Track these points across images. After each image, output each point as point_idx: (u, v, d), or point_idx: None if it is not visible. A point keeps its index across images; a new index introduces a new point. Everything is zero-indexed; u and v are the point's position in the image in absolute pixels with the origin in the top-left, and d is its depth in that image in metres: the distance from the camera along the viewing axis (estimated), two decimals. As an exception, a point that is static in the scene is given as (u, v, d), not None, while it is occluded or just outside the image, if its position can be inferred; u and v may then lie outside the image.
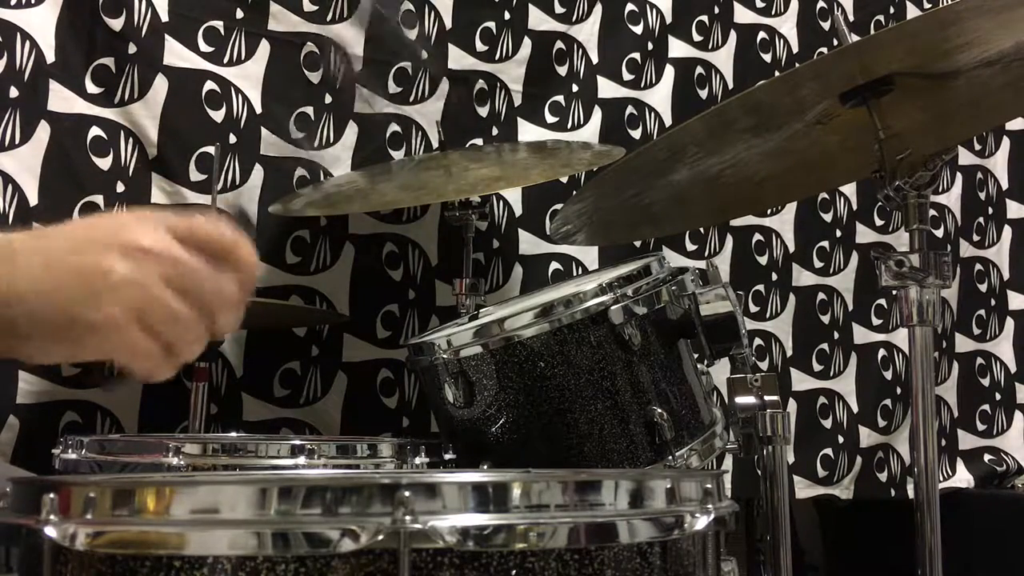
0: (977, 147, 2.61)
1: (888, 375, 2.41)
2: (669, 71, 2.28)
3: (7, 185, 1.71)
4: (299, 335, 1.94)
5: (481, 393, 1.30)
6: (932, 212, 2.14)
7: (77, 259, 0.76)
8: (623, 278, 1.31)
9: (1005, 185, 2.63)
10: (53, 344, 0.77)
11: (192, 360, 0.79)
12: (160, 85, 1.82)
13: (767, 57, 2.40)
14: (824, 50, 2.44)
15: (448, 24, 2.09)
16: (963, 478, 2.44)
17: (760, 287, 2.30)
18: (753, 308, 2.28)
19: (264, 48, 1.93)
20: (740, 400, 1.33)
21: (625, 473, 1.16)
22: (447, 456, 1.36)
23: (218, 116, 1.87)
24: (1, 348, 0.78)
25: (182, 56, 1.85)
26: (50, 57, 1.75)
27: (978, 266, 2.57)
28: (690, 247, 2.25)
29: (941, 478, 2.37)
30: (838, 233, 2.41)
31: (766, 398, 1.33)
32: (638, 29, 2.26)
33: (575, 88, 2.19)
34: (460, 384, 1.31)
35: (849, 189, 2.43)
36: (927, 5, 2.58)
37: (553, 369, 1.28)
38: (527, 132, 2.14)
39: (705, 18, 2.33)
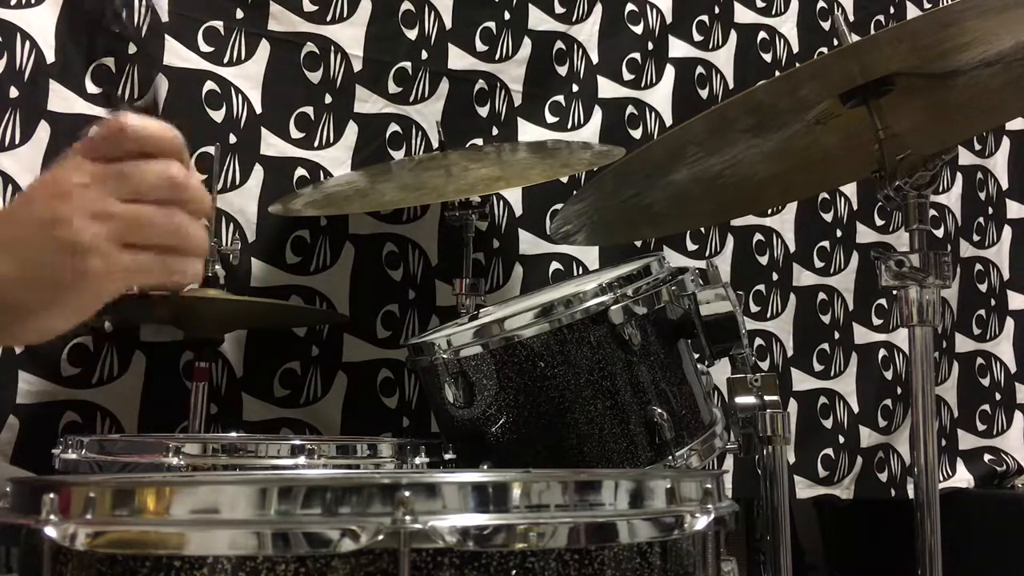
0: (977, 147, 2.61)
1: (888, 375, 2.41)
2: (669, 71, 2.28)
3: (7, 185, 1.71)
4: (299, 335, 1.94)
5: (481, 393, 1.30)
6: (932, 212, 2.14)
7: (33, 220, 0.77)
8: (623, 278, 1.31)
9: (1005, 185, 2.63)
10: (55, 306, 0.78)
11: (204, 257, 0.81)
12: (160, 85, 1.82)
13: (767, 57, 2.40)
14: (824, 50, 2.44)
15: (448, 24, 2.09)
16: (963, 478, 2.44)
17: (760, 287, 2.30)
18: (753, 308, 2.28)
19: (264, 48, 1.93)
20: (740, 400, 1.33)
21: (625, 473, 1.16)
22: (447, 456, 1.36)
23: (218, 116, 1.87)
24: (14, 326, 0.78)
25: (182, 56, 1.85)
26: (50, 57, 1.75)
27: (978, 266, 2.57)
28: (690, 247, 2.25)
29: (941, 478, 2.37)
30: (838, 233, 2.41)
31: (766, 398, 1.33)
32: (638, 29, 2.26)
33: (575, 88, 2.19)
34: (460, 384, 1.31)
35: (849, 189, 2.42)
36: (927, 5, 2.58)
37: (553, 369, 1.28)
38: (527, 132, 2.14)
39: (705, 18, 2.33)
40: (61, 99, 1.76)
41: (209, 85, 1.87)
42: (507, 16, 2.14)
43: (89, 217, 0.75)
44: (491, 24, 2.13)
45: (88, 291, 0.78)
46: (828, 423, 2.32)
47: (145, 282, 0.79)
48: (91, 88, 1.78)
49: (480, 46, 2.11)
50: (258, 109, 1.91)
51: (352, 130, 1.99)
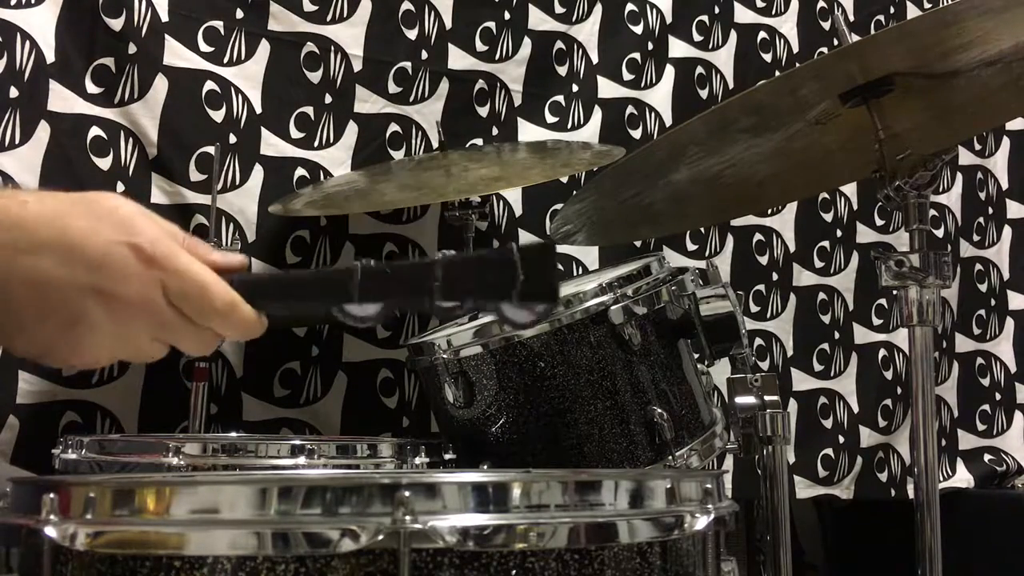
0: (977, 147, 2.61)
1: (888, 375, 2.41)
2: (669, 71, 2.28)
3: (7, 185, 1.70)
4: (299, 335, 1.94)
5: (481, 393, 1.30)
6: (932, 212, 2.14)
7: (92, 238, 0.75)
8: (623, 278, 1.31)
9: (1005, 185, 2.62)
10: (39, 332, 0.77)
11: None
12: (160, 85, 1.82)
13: (767, 57, 2.40)
14: (824, 50, 2.44)
15: (448, 24, 2.09)
16: (963, 478, 2.44)
17: (760, 287, 2.30)
18: (753, 308, 2.28)
19: (264, 48, 1.93)
20: (740, 400, 1.33)
21: (625, 473, 1.16)
22: (447, 456, 1.36)
23: (218, 116, 1.87)
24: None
25: (182, 56, 1.85)
26: (50, 57, 1.75)
27: (978, 266, 2.57)
28: (690, 247, 2.25)
29: (941, 478, 2.37)
30: (838, 233, 2.41)
31: (766, 398, 1.33)
32: (638, 29, 2.26)
33: (575, 88, 2.19)
34: (460, 384, 1.31)
35: (849, 189, 2.42)
36: (927, 5, 2.58)
37: (553, 369, 1.28)
38: (527, 132, 2.14)
39: (705, 18, 2.33)
40: (61, 99, 1.75)
41: (209, 85, 1.87)
42: (507, 16, 2.14)
43: (137, 283, 0.75)
44: (491, 24, 2.12)
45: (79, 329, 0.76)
46: (828, 423, 2.32)
47: (120, 357, 0.79)
48: (91, 88, 1.78)
49: (480, 46, 2.11)
50: (258, 109, 1.91)
51: (352, 130, 1.99)
